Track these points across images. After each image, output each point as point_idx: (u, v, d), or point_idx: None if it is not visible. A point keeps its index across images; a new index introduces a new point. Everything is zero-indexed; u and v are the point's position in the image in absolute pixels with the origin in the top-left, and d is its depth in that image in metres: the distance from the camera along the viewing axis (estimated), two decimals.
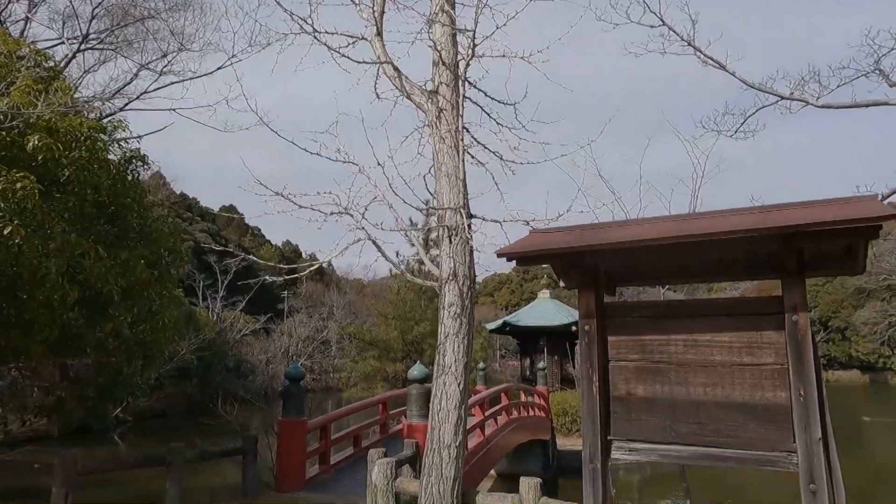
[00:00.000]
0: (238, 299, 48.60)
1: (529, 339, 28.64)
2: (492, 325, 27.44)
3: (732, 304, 3.67)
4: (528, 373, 28.89)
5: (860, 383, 60.51)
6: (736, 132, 8.51)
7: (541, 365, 19.93)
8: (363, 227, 4.79)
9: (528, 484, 4.54)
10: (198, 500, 8.08)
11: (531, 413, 16.48)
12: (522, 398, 16.54)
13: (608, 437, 3.66)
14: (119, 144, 6.85)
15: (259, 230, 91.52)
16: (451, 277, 4.80)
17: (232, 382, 34.31)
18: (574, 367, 29.34)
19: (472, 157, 5.17)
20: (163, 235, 6.71)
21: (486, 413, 11.84)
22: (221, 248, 6.34)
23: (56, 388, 7.86)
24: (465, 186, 4.94)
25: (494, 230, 4.94)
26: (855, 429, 30.28)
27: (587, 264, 3.70)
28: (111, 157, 6.52)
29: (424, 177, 5.10)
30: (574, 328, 27.19)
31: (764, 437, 3.27)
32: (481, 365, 20.27)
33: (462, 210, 4.79)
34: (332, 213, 4.71)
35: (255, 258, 5.84)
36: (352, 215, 4.80)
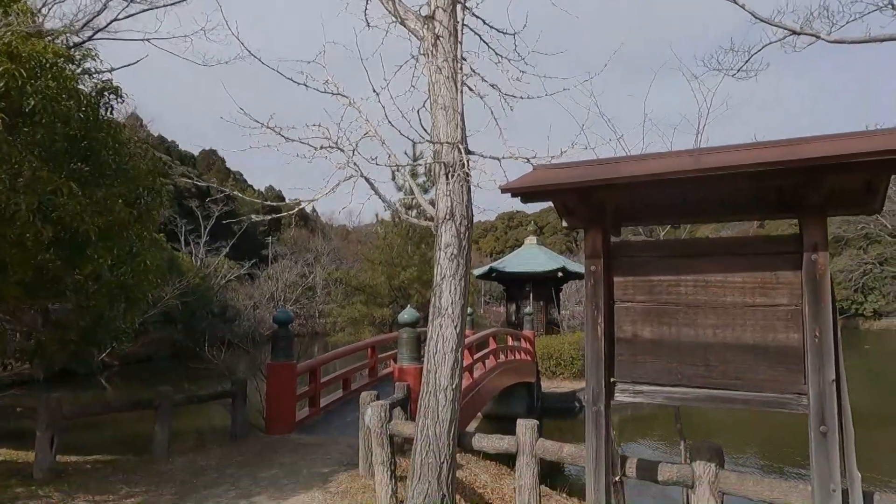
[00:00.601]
0: (221, 245, 48.25)
1: (515, 285, 28.80)
2: (478, 271, 27.46)
3: (747, 243, 3.52)
4: (513, 318, 29.19)
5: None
6: (739, 71, 8.21)
7: (528, 310, 20.06)
8: (355, 164, 4.52)
9: (526, 426, 4.49)
10: (187, 442, 8.05)
11: (518, 357, 16.67)
12: (510, 342, 16.68)
13: (612, 380, 3.57)
14: (90, 75, 6.38)
15: (241, 175, 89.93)
16: (447, 217, 4.59)
17: (218, 327, 34.41)
18: (559, 312, 29.71)
19: (471, 89, 4.86)
20: (141, 174, 6.35)
21: (475, 356, 11.89)
22: (208, 185, 5.99)
23: (37, 332, 7.63)
24: (462, 120, 4.65)
25: (492, 168, 4.69)
26: None
27: (596, 201, 3.50)
28: (82, 87, 6.08)
29: (419, 111, 4.79)
30: (560, 274, 27.33)
31: (773, 379, 3.18)
32: (469, 310, 20.38)
33: (460, 145, 4.52)
34: (321, 148, 4.42)
35: (240, 195, 5.56)
36: (342, 150, 4.52)
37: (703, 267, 3.39)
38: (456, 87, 4.66)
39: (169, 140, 76.73)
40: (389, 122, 4.26)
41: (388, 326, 23.22)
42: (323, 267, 51.87)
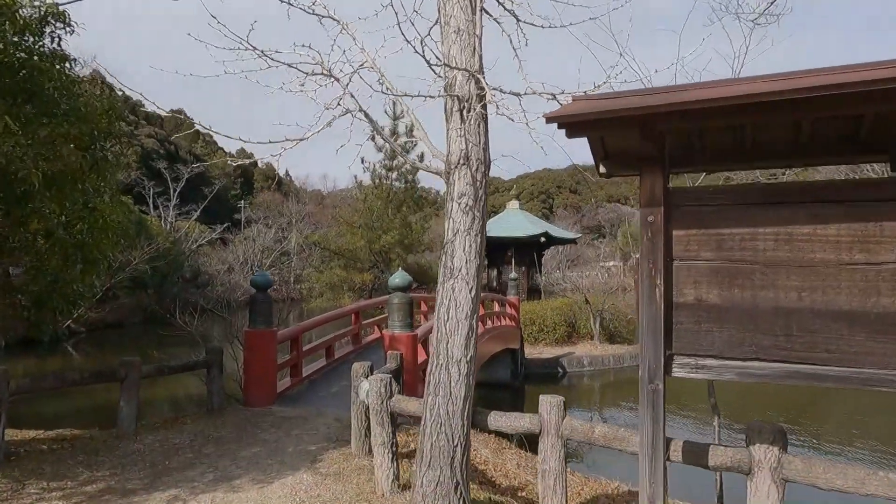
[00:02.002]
0: (192, 208, 46.73)
1: (497, 250, 28.29)
2: None
3: (844, 187, 2.92)
4: (494, 283, 28.79)
5: None
6: (760, 15, 7.55)
7: (512, 275, 19.58)
8: (351, 95, 3.77)
9: (550, 403, 3.92)
10: (157, 416, 7.36)
11: (503, 323, 16.24)
12: (496, 308, 16.21)
13: (668, 352, 2.99)
14: None
15: (211, 137, 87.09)
16: (461, 162, 3.89)
17: (190, 293, 33.41)
18: (541, 277, 29.38)
19: (487, 12, 4.11)
20: (95, 114, 5.48)
21: None
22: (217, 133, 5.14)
23: None
24: (480, 45, 3.92)
25: (510, 106, 3.98)
26: None
27: (656, 134, 2.85)
28: (21, 11, 5.14)
29: (422, 41, 4.03)
30: (542, 239, 26.89)
31: (873, 352, 2.63)
32: None
33: (478, 75, 3.80)
34: (312, 74, 3.65)
35: (223, 135, 4.76)
36: (337, 79, 3.76)
37: (787, 217, 2.79)
38: (472, 5, 3.91)
39: (134, 99, 73.63)
40: (413, 42, 3.49)
41: (367, 292, 22.57)
42: (299, 231, 50.67)
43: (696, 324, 2.97)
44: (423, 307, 14.62)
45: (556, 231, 28.67)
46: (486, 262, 32.04)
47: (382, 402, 4.40)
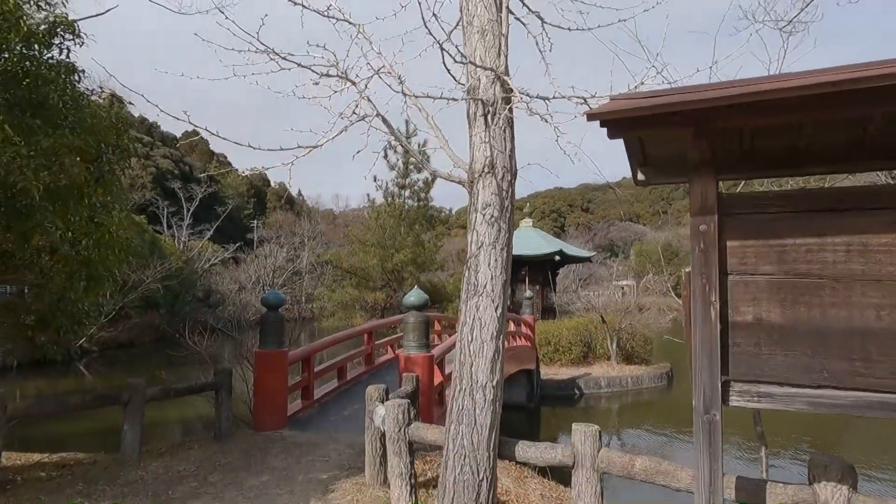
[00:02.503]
0: (205, 228, 46.96)
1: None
2: None
3: None
4: (508, 303, 28.40)
5: None
6: (789, 23, 7.28)
7: (527, 294, 19.19)
8: (368, 99, 3.51)
9: (585, 433, 3.57)
10: (163, 442, 7.07)
11: (519, 343, 15.84)
12: (512, 328, 15.82)
13: (724, 378, 2.65)
14: (38, 5, 5.27)
15: (225, 157, 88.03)
16: (486, 170, 3.62)
17: (202, 312, 33.31)
18: (556, 296, 28.92)
19: (512, 12, 3.86)
20: (103, 126, 5.28)
21: None
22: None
23: None
24: (506, 46, 3.67)
25: (537, 111, 3.70)
26: None
27: (711, 134, 2.56)
28: (28, 19, 4.99)
29: (441, 45, 3.79)
30: (557, 257, 26.52)
31: None
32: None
33: (504, 76, 3.54)
34: (327, 75, 3.41)
35: (234, 142, 4.50)
36: (353, 82, 3.51)
37: (862, 225, 2.47)
38: (496, 4, 3.66)
39: (150, 121, 74.73)
40: (444, 40, 3.25)
41: (380, 311, 22.27)
42: (310, 251, 50.65)
43: (756, 346, 2.64)
44: (437, 326, 14.29)
45: (571, 249, 28.29)
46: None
47: (400, 430, 4.07)
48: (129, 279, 29.65)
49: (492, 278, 3.61)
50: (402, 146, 4.11)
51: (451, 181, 3.73)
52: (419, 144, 23.05)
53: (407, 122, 22.80)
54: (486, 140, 3.61)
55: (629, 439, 14.58)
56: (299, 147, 3.44)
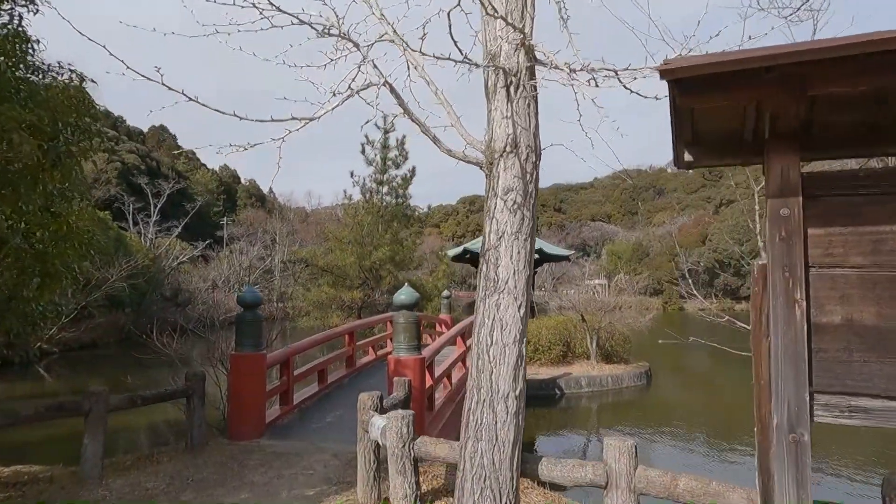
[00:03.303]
0: (173, 225, 45.55)
1: None
2: (452, 252, 26.12)
3: None
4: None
5: None
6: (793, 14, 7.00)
7: None
8: (373, 63, 3.02)
9: (620, 448, 3.14)
10: (129, 454, 6.43)
11: None
12: None
13: (809, 390, 2.25)
14: None
15: (194, 153, 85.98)
16: (508, 149, 3.16)
17: (170, 311, 32.19)
18: (534, 295, 28.58)
19: None
20: (59, 102, 4.67)
21: (467, 344, 10.56)
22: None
23: None
24: (532, 6, 3.21)
25: (555, 85, 3.25)
26: (713, 352, 31.80)
27: (799, 101, 2.16)
28: None
29: (448, 13, 3.32)
30: (536, 256, 26.23)
31: None
32: (445, 293, 19.01)
33: (528, 41, 3.09)
34: (327, 33, 2.91)
35: (215, 109, 3.97)
36: (357, 45, 3.02)
37: None
38: None
39: (115, 114, 72.42)
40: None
41: (356, 310, 21.64)
42: (282, 248, 49.59)
43: (846, 352, 2.24)
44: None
45: (550, 248, 28.02)
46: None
47: (404, 445, 3.59)
48: (92, 277, 28.47)
49: (514, 273, 3.16)
50: (413, 120, 3.60)
51: (468, 163, 3.27)
52: (397, 139, 22.53)
53: (385, 118, 22.25)
54: (509, 115, 3.15)
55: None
56: (293, 119, 2.94)
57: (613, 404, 19.23)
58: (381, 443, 4.01)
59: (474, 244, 27.46)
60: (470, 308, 38.53)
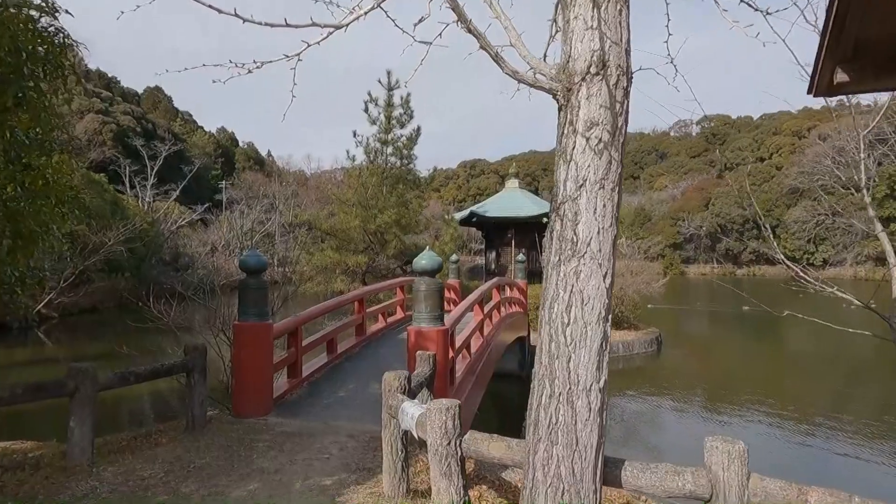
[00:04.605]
0: (171, 188, 44.74)
1: (496, 231, 26.91)
2: (459, 215, 25.40)
3: None
4: (492, 266, 27.41)
5: (783, 277, 64.20)
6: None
7: (520, 257, 18.19)
8: None
9: (729, 452, 2.49)
10: (122, 436, 5.84)
11: (514, 309, 14.87)
12: (508, 293, 14.82)
13: None
14: None
15: (190, 115, 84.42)
16: (593, 71, 2.42)
17: (168, 276, 31.67)
18: (542, 259, 28.04)
19: None
20: (22, 30, 3.88)
21: (485, 311, 9.94)
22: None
23: None
24: None
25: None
26: (730, 318, 31.93)
27: None
28: None
29: None
30: (545, 219, 25.57)
31: None
32: (454, 257, 18.34)
33: None
34: None
35: (216, 9, 3.19)
36: None
37: None
38: None
39: (109, 75, 70.52)
40: None
41: (361, 275, 21.04)
42: (281, 213, 48.79)
43: None
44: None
45: None
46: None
47: (450, 443, 2.94)
48: (89, 241, 27.81)
49: (599, 232, 2.45)
50: (470, 30, 2.89)
51: (538, 89, 2.52)
52: (402, 97, 21.52)
53: (388, 73, 21.22)
54: (595, 25, 2.40)
55: (627, 404, 13.88)
56: (313, 25, 2.18)
57: (625, 371, 18.81)
58: (415, 435, 3.37)
59: (481, 207, 26.70)
60: (472, 273, 37.94)
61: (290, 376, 7.49)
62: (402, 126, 21.58)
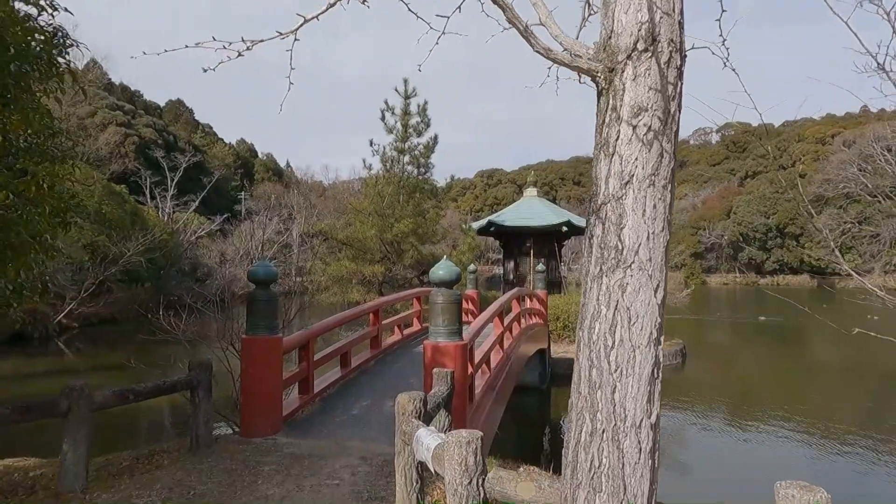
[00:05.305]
0: (191, 199, 45.07)
1: (514, 241, 26.41)
2: (477, 224, 24.99)
3: None
4: (511, 276, 26.91)
5: (808, 287, 62.65)
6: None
7: (540, 267, 17.74)
8: None
9: (808, 502, 2.06)
10: (122, 455, 5.52)
11: (534, 321, 14.41)
12: (528, 304, 14.37)
13: None
14: None
15: (210, 127, 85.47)
16: (641, 46, 2.04)
17: (187, 287, 31.73)
18: (560, 270, 27.47)
19: None
20: (8, 25, 3.61)
21: (505, 323, 9.52)
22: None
23: None
24: None
25: None
26: (742, 327, 31.11)
27: None
28: None
29: None
30: (565, 228, 24.99)
31: None
32: (472, 267, 17.94)
33: None
34: None
35: None
36: None
37: None
38: None
39: (132, 89, 71.67)
40: None
41: (377, 285, 20.73)
42: (300, 223, 48.88)
43: None
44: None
45: (579, 220, 26.72)
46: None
47: (471, 482, 2.54)
48: (109, 251, 27.96)
49: (648, 238, 2.06)
50: (498, 3, 2.58)
51: (574, 70, 2.15)
52: (419, 105, 21.27)
53: (406, 81, 21.00)
54: None
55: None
56: None
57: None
58: (432, 469, 2.99)
59: (499, 217, 26.28)
60: (489, 283, 37.43)
61: (301, 392, 7.14)
62: (420, 134, 21.32)
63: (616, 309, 2.08)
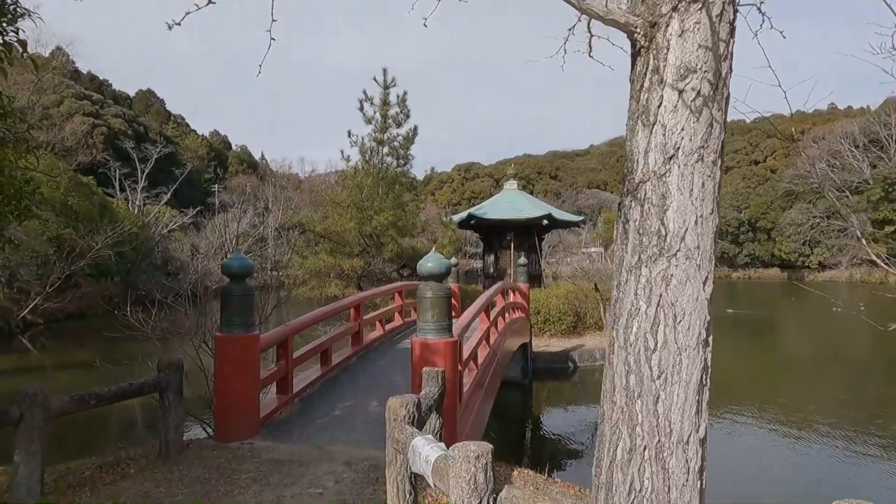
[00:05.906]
0: (162, 191, 43.86)
1: (495, 234, 26.17)
2: (458, 217, 24.67)
3: None
4: (491, 270, 26.67)
5: (778, 280, 63.81)
6: None
7: (521, 260, 17.48)
8: None
9: None
10: (85, 463, 5.08)
11: (517, 315, 14.18)
12: (511, 298, 14.11)
13: None
14: None
15: (183, 118, 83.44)
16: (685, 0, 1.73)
17: (158, 281, 30.81)
18: (544, 262, 27.33)
19: None
20: None
21: (491, 318, 9.23)
22: None
23: None
24: None
25: None
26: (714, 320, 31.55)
27: None
28: None
29: None
30: (545, 221, 24.81)
31: None
32: (454, 260, 17.61)
33: None
34: None
35: None
36: None
37: None
38: None
39: (101, 78, 69.44)
40: None
41: (356, 279, 20.28)
42: (275, 217, 47.98)
43: None
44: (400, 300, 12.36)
45: (560, 213, 26.63)
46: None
47: (481, 501, 2.23)
48: (76, 245, 26.95)
49: (697, 222, 1.76)
50: None
51: (609, 24, 1.84)
52: (398, 96, 20.80)
53: (384, 71, 20.50)
54: None
55: None
56: None
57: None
58: (431, 483, 2.67)
59: (479, 209, 25.98)
60: (468, 277, 37.09)
61: (279, 392, 6.76)
62: (399, 125, 20.85)
63: (659, 305, 1.77)
